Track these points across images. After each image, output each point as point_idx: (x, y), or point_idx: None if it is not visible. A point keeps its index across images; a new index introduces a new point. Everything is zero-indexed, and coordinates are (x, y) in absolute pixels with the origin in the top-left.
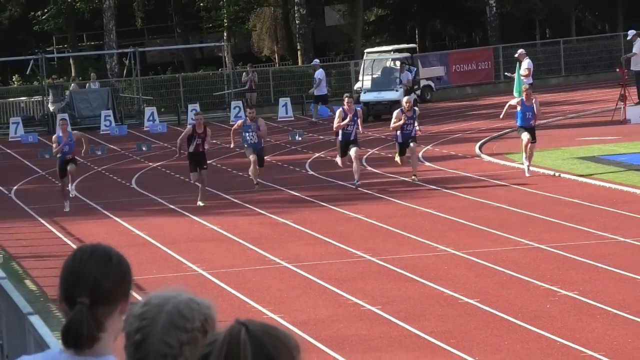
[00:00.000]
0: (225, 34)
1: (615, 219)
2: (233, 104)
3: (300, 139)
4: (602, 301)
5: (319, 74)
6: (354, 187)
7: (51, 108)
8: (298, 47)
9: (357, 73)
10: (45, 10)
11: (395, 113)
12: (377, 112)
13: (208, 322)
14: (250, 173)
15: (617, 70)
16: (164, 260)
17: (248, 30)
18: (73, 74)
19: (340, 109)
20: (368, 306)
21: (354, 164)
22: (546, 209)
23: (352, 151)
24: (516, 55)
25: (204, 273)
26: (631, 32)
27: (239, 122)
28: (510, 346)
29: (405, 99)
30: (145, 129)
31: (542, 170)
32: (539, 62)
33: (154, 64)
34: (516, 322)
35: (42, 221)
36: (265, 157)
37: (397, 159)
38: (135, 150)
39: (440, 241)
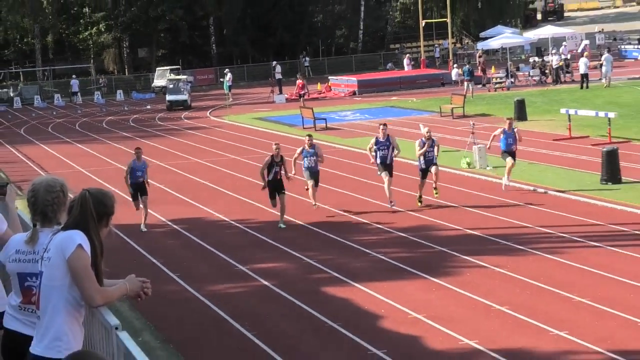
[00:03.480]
0: (92, 60)
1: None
2: (97, 93)
3: (127, 108)
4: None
5: (73, 83)
6: (390, 206)
7: None
8: (126, 67)
9: (153, 79)
10: None
11: (417, 142)
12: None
13: (63, 187)
14: (310, 195)
15: (270, 79)
16: (61, 164)
17: (102, 59)
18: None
19: (375, 137)
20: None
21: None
22: (240, 141)
23: (386, 175)
24: (225, 71)
25: (82, 170)
26: (274, 62)
27: (298, 150)
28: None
29: (425, 130)
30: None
31: (238, 124)
32: (235, 75)
33: (61, 74)
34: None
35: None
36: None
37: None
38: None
39: (174, 164)
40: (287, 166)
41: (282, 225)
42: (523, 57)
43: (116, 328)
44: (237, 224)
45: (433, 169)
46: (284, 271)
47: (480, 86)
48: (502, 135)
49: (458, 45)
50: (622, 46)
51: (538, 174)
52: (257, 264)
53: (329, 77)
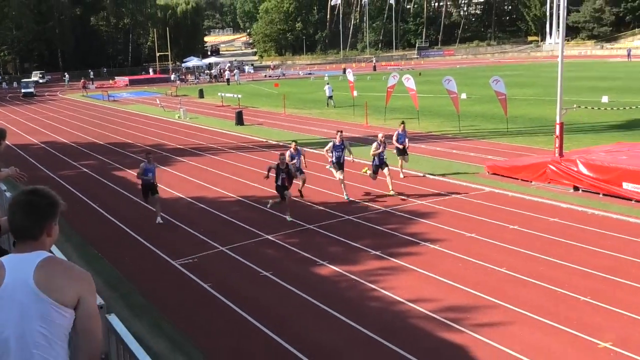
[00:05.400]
0: (0, 67)
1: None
2: (3, 83)
3: (19, 91)
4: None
5: None
6: (346, 199)
7: None
8: (18, 71)
9: (31, 77)
10: None
11: (374, 144)
12: (26, 96)
13: None
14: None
15: (88, 78)
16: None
17: (6, 67)
18: None
19: (331, 143)
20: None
21: (341, 179)
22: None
23: (339, 173)
24: (65, 74)
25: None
26: (89, 70)
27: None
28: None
29: (380, 135)
30: None
31: (73, 98)
32: (71, 76)
33: None
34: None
35: None
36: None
37: (369, 173)
38: None
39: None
40: (306, 157)
41: (289, 219)
42: (203, 69)
43: (5, 190)
44: (79, 147)
45: (385, 169)
46: (93, 165)
47: (184, 83)
48: (395, 137)
49: (174, 64)
50: (246, 67)
51: (207, 121)
52: (83, 161)
53: (116, 77)
